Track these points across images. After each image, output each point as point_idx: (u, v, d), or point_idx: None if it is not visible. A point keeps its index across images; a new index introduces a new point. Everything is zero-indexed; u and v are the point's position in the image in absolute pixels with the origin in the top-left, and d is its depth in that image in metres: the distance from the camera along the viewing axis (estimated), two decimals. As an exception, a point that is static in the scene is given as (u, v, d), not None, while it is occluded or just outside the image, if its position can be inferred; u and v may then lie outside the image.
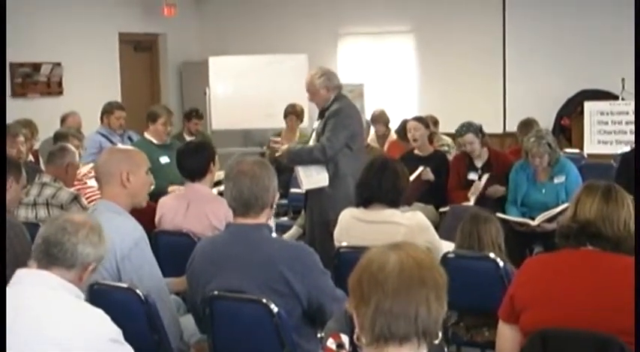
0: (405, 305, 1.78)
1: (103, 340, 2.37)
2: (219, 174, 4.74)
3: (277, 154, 5.42)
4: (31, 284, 2.44)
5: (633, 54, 7.74)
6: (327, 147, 5.11)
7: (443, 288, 1.84)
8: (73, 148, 5.05)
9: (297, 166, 5.24)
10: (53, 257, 2.51)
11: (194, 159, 4.42)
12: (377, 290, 1.80)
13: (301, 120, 8.32)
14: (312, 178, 5.18)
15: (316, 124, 5.40)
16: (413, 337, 1.79)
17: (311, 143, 5.35)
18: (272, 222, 3.93)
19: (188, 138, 7.91)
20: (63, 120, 7.51)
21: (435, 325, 1.81)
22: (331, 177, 5.16)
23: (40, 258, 2.52)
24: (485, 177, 5.85)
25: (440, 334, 1.83)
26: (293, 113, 8.16)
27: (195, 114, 8.44)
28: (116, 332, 2.43)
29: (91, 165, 5.60)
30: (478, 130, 5.99)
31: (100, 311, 2.47)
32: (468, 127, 5.98)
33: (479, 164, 6.01)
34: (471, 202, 5.74)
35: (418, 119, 6.62)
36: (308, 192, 5.29)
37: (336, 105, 5.22)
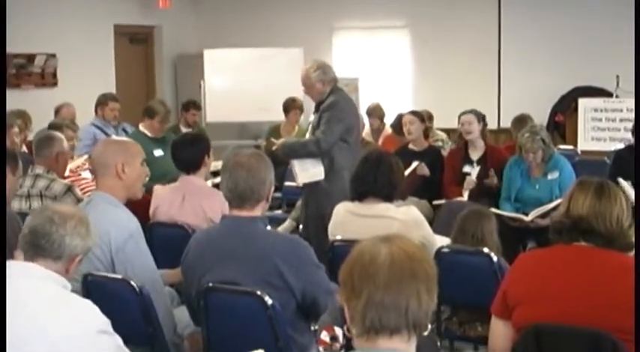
0: (395, 297, 1.79)
1: (91, 332, 2.34)
2: (216, 165, 4.74)
3: (274, 148, 5.41)
4: (21, 277, 2.41)
5: (628, 51, 7.78)
6: (321, 140, 5.10)
7: (433, 281, 1.85)
8: (59, 135, 4.89)
9: (293, 160, 5.23)
10: (40, 248, 2.47)
11: (189, 152, 4.42)
12: (368, 283, 1.81)
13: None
14: (308, 172, 5.17)
15: (312, 118, 5.39)
16: (403, 329, 1.80)
17: (307, 136, 5.35)
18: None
19: (184, 130, 7.91)
20: (57, 111, 7.50)
21: (425, 317, 1.83)
22: (327, 171, 5.15)
23: (27, 249, 2.49)
24: (476, 169, 5.86)
25: (429, 326, 1.85)
26: (297, 107, 8.15)
27: (193, 105, 8.42)
28: (104, 322, 2.41)
29: (85, 156, 5.60)
30: (480, 116, 6.04)
31: (87, 302, 2.45)
32: (470, 110, 6.08)
33: (474, 157, 6.02)
34: (465, 197, 5.74)
35: (414, 113, 6.62)
36: (304, 185, 5.29)
37: (331, 99, 5.21)
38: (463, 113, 6.08)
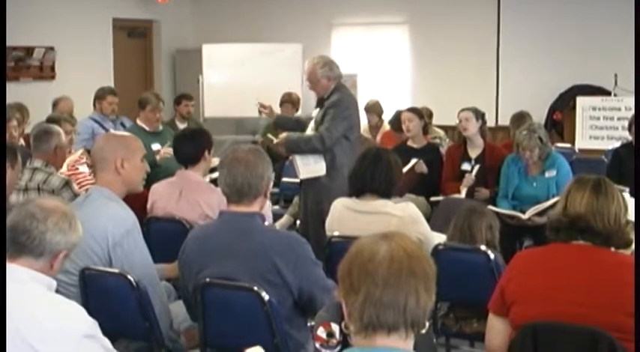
0: (394, 295, 1.79)
1: (76, 337, 2.28)
2: (214, 161, 4.75)
3: (275, 142, 5.41)
4: (7, 281, 2.32)
5: (626, 50, 7.78)
6: (325, 136, 5.11)
7: (432, 279, 1.85)
8: (57, 129, 4.86)
9: (295, 155, 5.23)
10: (21, 245, 2.40)
11: (189, 145, 4.44)
12: (367, 280, 1.81)
13: (297, 110, 8.33)
14: (310, 167, 5.17)
15: (315, 113, 5.39)
16: (401, 327, 1.80)
17: (309, 132, 5.35)
18: (268, 210, 3.94)
19: (180, 124, 7.91)
20: (55, 104, 7.48)
21: (423, 315, 1.82)
22: (328, 167, 5.16)
23: (8, 246, 2.41)
24: (476, 168, 5.86)
25: (427, 324, 1.85)
26: (289, 101, 8.16)
27: (183, 97, 8.43)
28: (90, 325, 2.34)
29: (82, 150, 5.59)
30: (479, 114, 6.03)
31: (73, 305, 2.38)
32: (469, 108, 6.07)
33: (473, 155, 6.02)
34: (462, 194, 5.74)
35: (412, 110, 6.59)
36: (303, 181, 5.29)
37: (337, 96, 5.22)
38: (462, 110, 6.09)
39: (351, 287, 1.83)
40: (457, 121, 6.13)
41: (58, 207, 2.51)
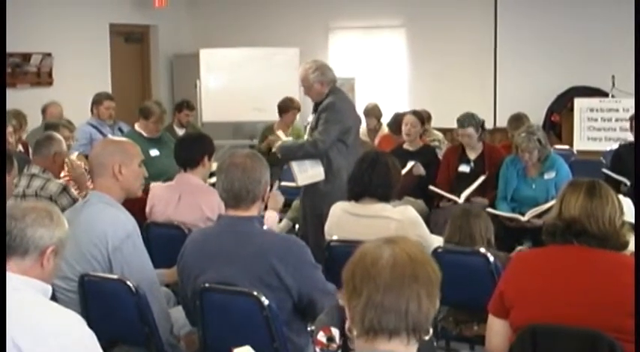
0: (395, 299, 1.78)
1: (72, 345, 2.23)
2: (212, 165, 4.75)
3: (274, 150, 5.38)
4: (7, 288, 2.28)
5: (624, 51, 7.80)
6: (318, 140, 5.08)
7: (435, 285, 1.83)
8: (59, 137, 4.93)
9: (292, 162, 5.20)
10: (7, 247, 2.37)
11: (190, 148, 4.45)
12: (369, 284, 1.80)
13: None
14: (307, 173, 5.13)
15: (310, 118, 5.38)
16: (402, 332, 1.79)
17: (306, 137, 5.34)
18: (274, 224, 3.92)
19: (178, 130, 7.89)
20: (44, 110, 7.45)
21: (425, 321, 1.81)
22: (326, 172, 5.13)
23: None
24: (480, 179, 5.79)
25: (430, 330, 1.84)
26: (295, 107, 8.10)
27: (186, 105, 8.41)
28: (83, 336, 2.29)
29: (76, 153, 5.59)
30: (479, 125, 5.96)
31: (70, 313, 2.34)
32: (470, 121, 5.93)
33: (472, 156, 6.01)
34: (461, 200, 5.68)
35: (416, 114, 6.54)
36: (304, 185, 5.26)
37: (329, 100, 5.18)
38: (462, 126, 5.93)
39: (354, 291, 1.82)
40: (456, 126, 6.08)
41: (38, 206, 2.49)
